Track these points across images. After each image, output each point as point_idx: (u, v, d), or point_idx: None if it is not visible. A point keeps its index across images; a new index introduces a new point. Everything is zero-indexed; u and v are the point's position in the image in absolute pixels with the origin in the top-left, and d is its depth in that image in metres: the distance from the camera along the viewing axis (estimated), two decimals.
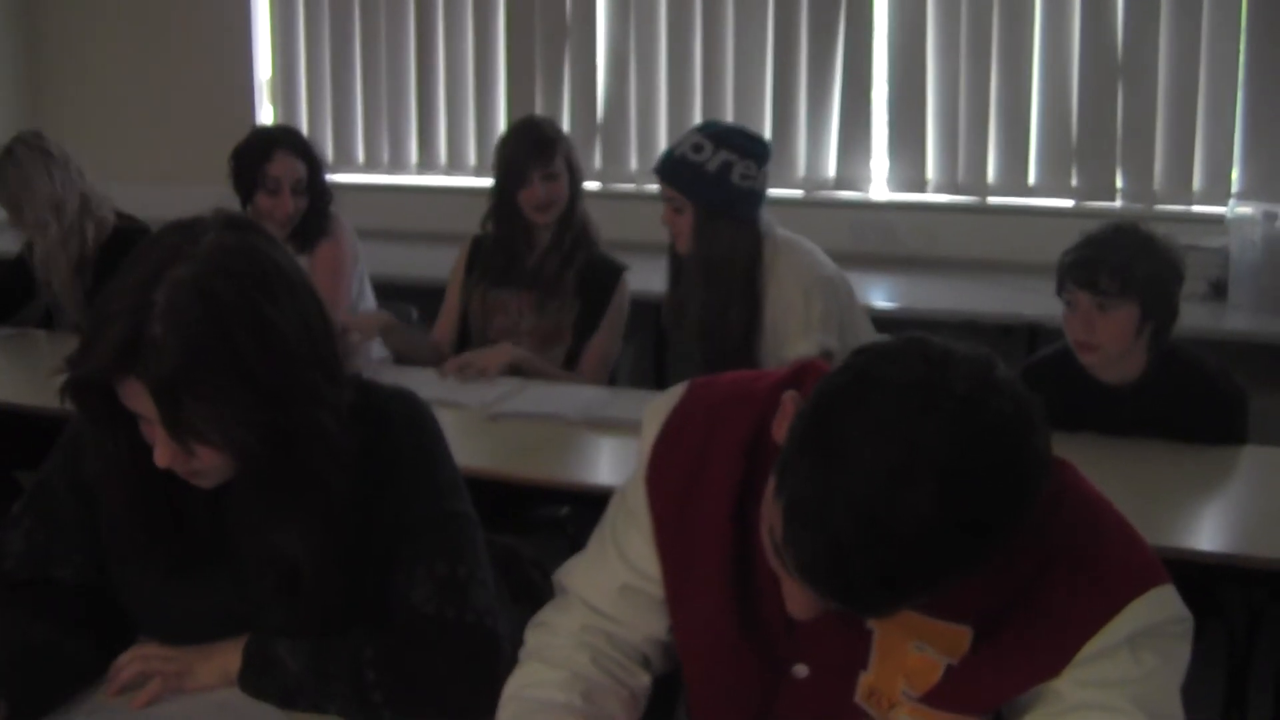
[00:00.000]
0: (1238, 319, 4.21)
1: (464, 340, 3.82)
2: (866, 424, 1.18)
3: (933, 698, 1.42)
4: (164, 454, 1.57)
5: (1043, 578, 1.36)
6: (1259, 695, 2.83)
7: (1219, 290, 4.34)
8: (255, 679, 1.69)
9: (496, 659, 1.69)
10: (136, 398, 1.53)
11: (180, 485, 1.65)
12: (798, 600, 1.31)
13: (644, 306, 4.44)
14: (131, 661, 1.71)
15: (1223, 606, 2.73)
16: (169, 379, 1.50)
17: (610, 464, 2.96)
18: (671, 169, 3.39)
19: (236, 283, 1.54)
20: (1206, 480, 2.77)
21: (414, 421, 1.79)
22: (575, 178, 3.67)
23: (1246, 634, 2.73)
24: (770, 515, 1.27)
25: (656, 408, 1.63)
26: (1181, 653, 1.39)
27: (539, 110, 5.42)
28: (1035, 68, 4.88)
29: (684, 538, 1.55)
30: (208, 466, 1.60)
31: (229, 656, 1.70)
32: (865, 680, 1.47)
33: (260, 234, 1.65)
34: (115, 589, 1.79)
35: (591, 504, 3.12)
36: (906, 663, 1.43)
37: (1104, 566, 1.37)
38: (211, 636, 1.73)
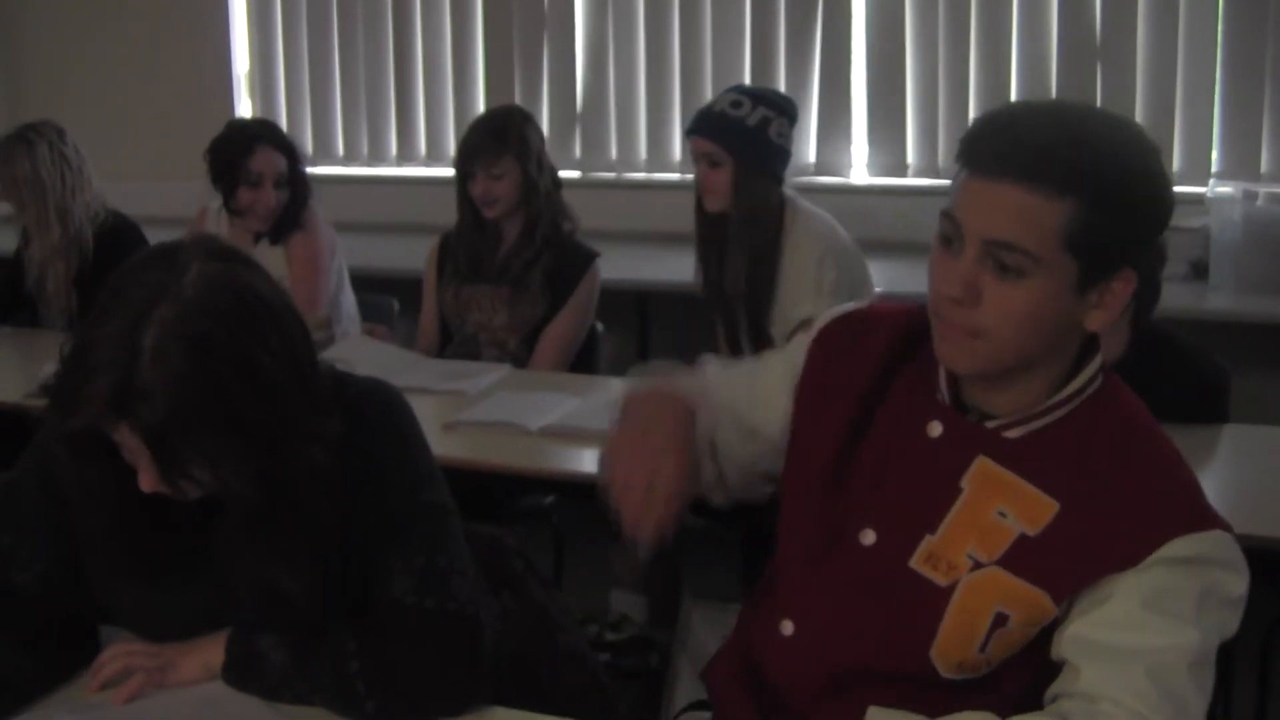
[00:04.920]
0: (1219, 299, 4.21)
1: (445, 337, 3.82)
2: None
3: (1010, 562, 1.49)
4: (149, 481, 1.57)
5: (1138, 476, 1.49)
6: (1244, 672, 2.83)
7: (1200, 270, 4.34)
8: (238, 673, 1.69)
9: (478, 647, 1.69)
10: (126, 437, 1.52)
11: (163, 500, 1.63)
12: (953, 268, 1.46)
13: (624, 295, 4.44)
14: (114, 657, 1.71)
15: None
16: (160, 427, 1.49)
17: (594, 454, 2.93)
18: (712, 124, 3.44)
19: (224, 324, 1.51)
20: (1188, 459, 2.77)
21: (388, 414, 1.78)
22: (529, 177, 3.63)
23: None
24: (953, 190, 1.49)
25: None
26: (1235, 622, 1.49)
27: (518, 99, 5.40)
28: (1014, 50, 4.88)
29: (816, 406, 1.69)
30: (193, 489, 1.59)
31: (212, 651, 1.70)
32: (928, 544, 1.55)
33: (242, 261, 1.63)
34: (87, 592, 1.77)
35: (575, 493, 3.14)
36: (982, 525, 1.51)
37: (1197, 496, 1.50)
38: (193, 634, 1.73)
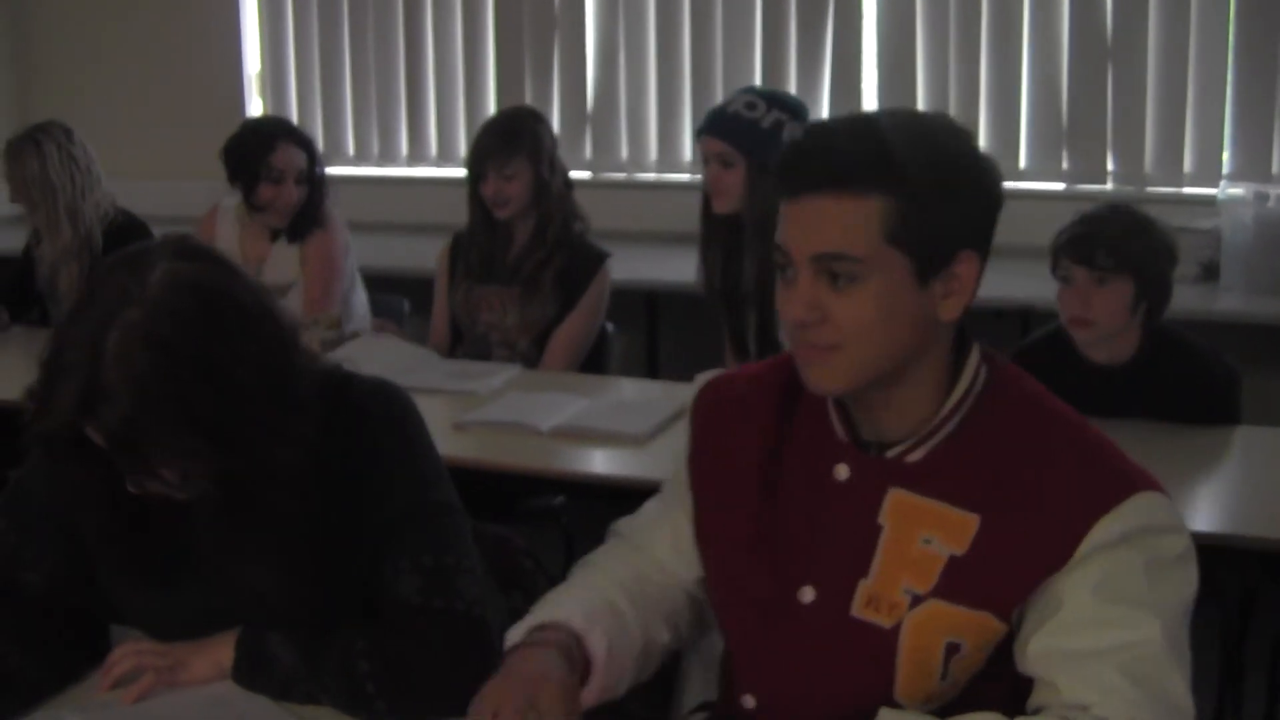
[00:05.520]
0: (1230, 300, 4.21)
1: (455, 336, 3.82)
2: None
3: (946, 590, 1.47)
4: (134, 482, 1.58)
5: (1050, 469, 1.46)
6: (1254, 674, 2.83)
7: (1211, 272, 4.33)
8: (249, 672, 1.69)
9: (487, 647, 1.68)
10: (99, 438, 1.53)
11: (155, 501, 1.64)
12: (793, 294, 1.46)
13: (634, 295, 4.45)
14: (124, 656, 1.71)
15: (1217, 586, 2.73)
16: (121, 427, 1.49)
17: (604, 454, 2.96)
18: (726, 124, 3.43)
19: (185, 326, 1.51)
20: (1200, 461, 2.77)
21: (393, 414, 1.78)
22: (541, 178, 3.63)
23: (1241, 613, 2.73)
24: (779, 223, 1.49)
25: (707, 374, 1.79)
26: (1192, 579, 1.46)
27: (529, 99, 5.41)
28: (1025, 51, 4.87)
29: (717, 465, 1.67)
30: (164, 489, 1.60)
31: (222, 650, 1.71)
32: (864, 589, 1.52)
33: (212, 260, 1.62)
34: (96, 592, 1.78)
35: (585, 494, 3.15)
36: (910, 556, 1.49)
37: (1109, 465, 1.48)
38: (199, 634, 1.74)
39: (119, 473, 1.58)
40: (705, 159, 3.47)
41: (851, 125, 1.49)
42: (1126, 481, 1.45)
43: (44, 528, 1.77)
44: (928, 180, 1.43)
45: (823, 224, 1.43)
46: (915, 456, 1.52)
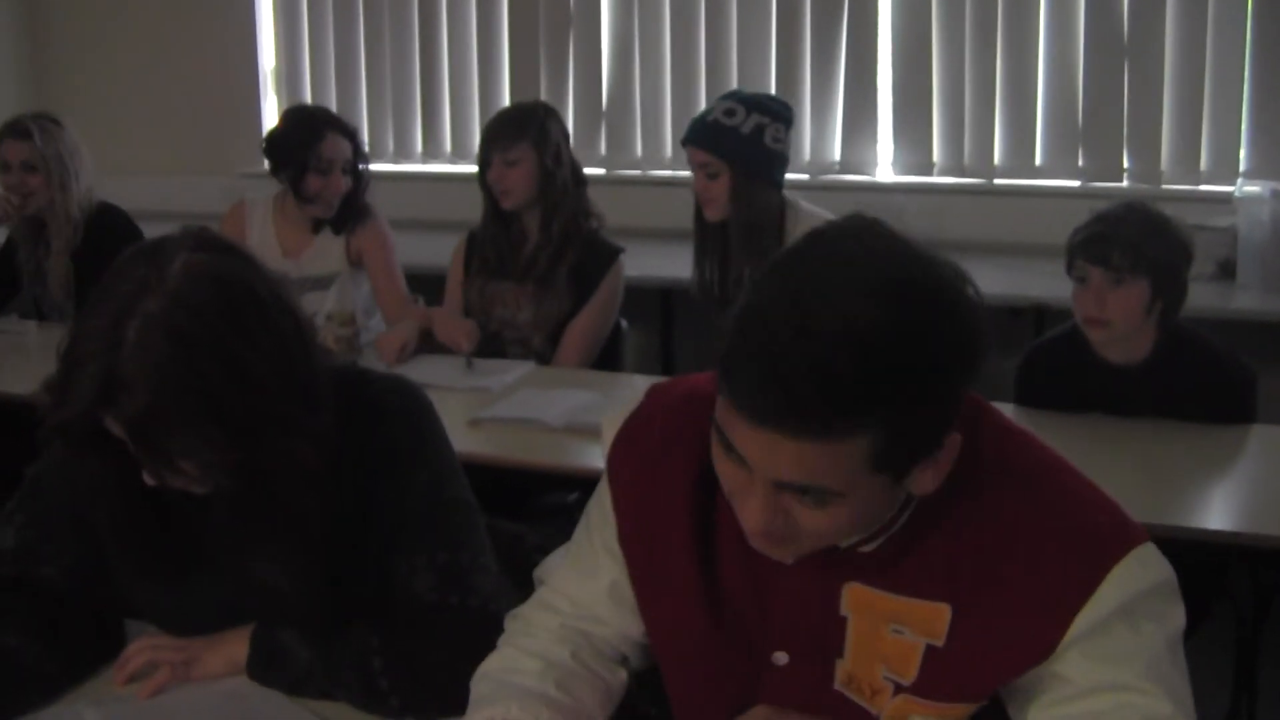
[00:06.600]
0: (1246, 298, 4.19)
1: None
2: (796, 264, 1.26)
3: (923, 687, 1.39)
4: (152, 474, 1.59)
5: (1016, 551, 1.32)
6: (1268, 675, 2.82)
7: (1227, 270, 4.32)
8: (263, 667, 1.70)
9: None
10: (117, 428, 1.54)
11: (171, 495, 1.64)
12: (750, 501, 1.26)
13: (648, 291, 4.44)
14: (139, 651, 1.72)
15: (1231, 586, 2.72)
16: (140, 418, 1.49)
17: None
18: (706, 134, 3.43)
19: (204, 318, 1.51)
20: (1215, 460, 2.77)
21: (408, 411, 1.79)
22: (545, 167, 3.62)
23: (1255, 614, 2.72)
24: (719, 410, 1.25)
25: (617, 415, 1.58)
26: (1176, 612, 1.35)
27: (543, 96, 5.41)
28: (1041, 48, 4.86)
29: (647, 535, 1.52)
30: (181, 482, 1.60)
31: (237, 645, 1.72)
32: (843, 668, 1.44)
33: (232, 253, 1.62)
34: (112, 587, 1.79)
35: None
36: (884, 647, 1.40)
37: (1078, 536, 1.33)
38: (214, 629, 1.75)
39: (135, 466, 1.58)
40: (692, 169, 3.47)
41: (810, 326, 1.14)
42: (1101, 554, 1.31)
43: (61, 523, 1.78)
44: (915, 390, 1.16)
45: (795, 463, 1.19)
46: (869, 547, 1.37)
